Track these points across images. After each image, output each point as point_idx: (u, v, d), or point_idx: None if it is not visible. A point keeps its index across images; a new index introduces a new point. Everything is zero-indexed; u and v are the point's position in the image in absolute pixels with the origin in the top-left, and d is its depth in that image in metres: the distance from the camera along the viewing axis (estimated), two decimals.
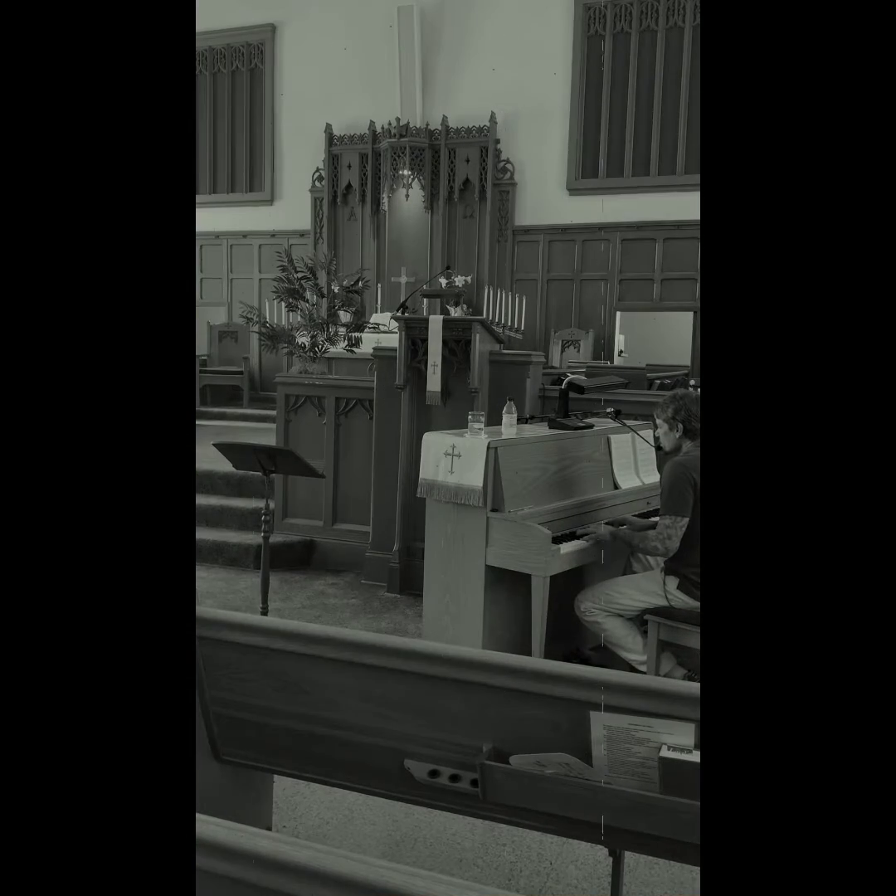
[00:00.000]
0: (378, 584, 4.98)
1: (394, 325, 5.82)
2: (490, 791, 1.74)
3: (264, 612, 3.74)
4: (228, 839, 1.13)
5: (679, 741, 1.57)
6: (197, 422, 7.77)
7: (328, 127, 9.51)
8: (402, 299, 7.90)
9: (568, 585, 3.60)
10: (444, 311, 8.37)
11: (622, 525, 3.60)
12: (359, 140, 9.44)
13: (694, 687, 1.59)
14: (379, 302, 9.26)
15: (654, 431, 3.54)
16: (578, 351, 8.87)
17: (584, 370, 6.27)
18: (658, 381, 6.15)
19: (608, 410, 4.11)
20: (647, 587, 3.34)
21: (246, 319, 7.92)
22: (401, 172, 9.09)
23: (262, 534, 3.72)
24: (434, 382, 4.66)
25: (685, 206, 8.31)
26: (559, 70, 8.89)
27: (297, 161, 9.96)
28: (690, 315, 8.59)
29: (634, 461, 4.17)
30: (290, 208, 10.07)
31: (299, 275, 7.03)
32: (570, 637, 3.85)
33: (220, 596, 4.74)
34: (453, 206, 9.22)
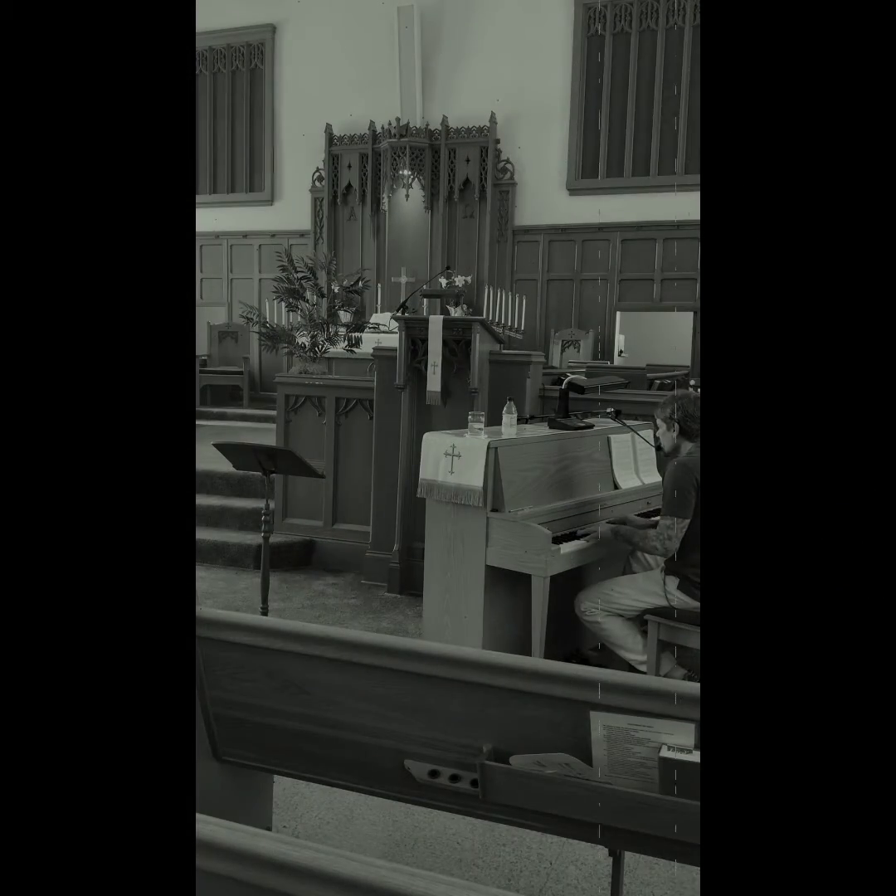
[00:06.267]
0: (378, 584, 4.98)
1: (394, 325, 5.83)
2: (490, 791, 1.74)
3: (264, 612, 3.74)
4: (228, 839, 1.13)
5: (679, 741, 1.57)
6: (197, 422, 7.77)
7: (328, 127, 9.51)
8: (402, 299, 7.90)
9: (568, 585, 3.60)
10: (444, 311, 8.36)
11: (623, 524, 3.61)
12: (359, 140, 9.45)
13: (694, 687, 1.59)
14: (379, 302, 9.27)
15: (655, 432, 3.55)
16: (578, 351, 8.87)
17: (584, 370, 6.27)
18: (658, 381, 6.16)
19: (608, 410, 4.11)
20: (647, 587, 3.34)
21: (246, 319, 7.92)
22: (401, 172, 9.09)
23: (262, 534, 3.72)
24: (434, 382, 4.66)
25: (685, 206, 8.31)
26: (559, 70, 8.89)
27: (297, 161, 9.96)
28: (690, 315, 8.59)
29: (634, 461, 4.17)
30: (290, 208, 10.06)
31: (299, 275, 7.03)
32: (570, 637, 3.85)
33: (220, 596, 4.74)
34: (453, 206, 9.22)
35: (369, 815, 2.63)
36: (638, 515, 3.84)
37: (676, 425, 3.33)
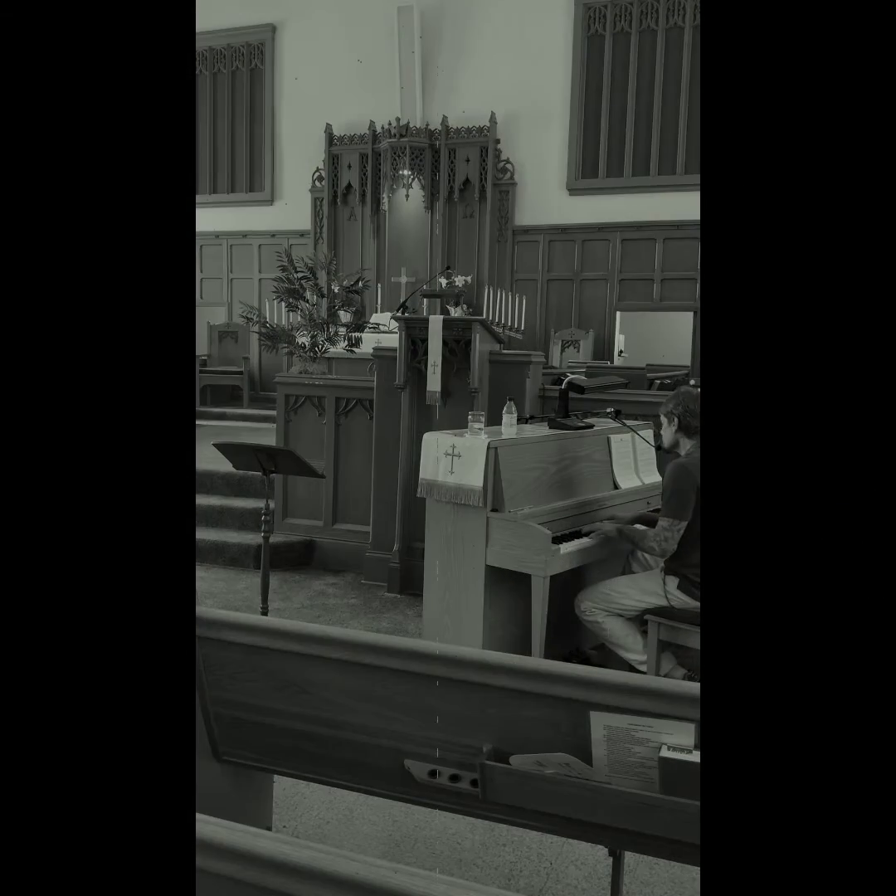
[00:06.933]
0: (378, 584, 4.98)
1: (394, 325, 5.83)
2: (490, 791, 1.74)
3: (264, 612, 3.74)
4: (228, 839, 1.13)
5: (679, 741, 1.57)
6: (197, 422, 7.77)
7: (328, 127, 9.51)
8: (402, 299, 7.91)
9: (568, 585, 3.60)
10: (444, 311, 8.36)
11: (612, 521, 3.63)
12: (359, 140, 9.45)
13: (694, 687, 1.59)
14: (379, 302, 9.26)
15: (657, 429, 3.55)
16: (578, 351, 8.87)
17: (584, 370, 6.27)
18: (658, 381, 6.16)
19: (608, 410, 4.11)
20: (647, 587, 3.34)
21: (246, 319, 7.92)
22: (401, 172, 9.09)
23: (262, 534, 3.72)
24: (434, 382, 4.66)
25: (685, 206, 8.31)
26: (559, 70, 8.89)
27: (297, 161, 9.96)
28: (690, 315, 8.59)
29: (634, 461, 4.17)
30: (290, 208, 10.06)
31: (299, 275, 7.03)
32: (570, 637, 3.85)
33: (220, 596, 4.74)
34: (453, 206, 9.22)
35: (369, 815, 2.63)
36: (637, 515, 3.84)
37: (676, 420, 3.33)
